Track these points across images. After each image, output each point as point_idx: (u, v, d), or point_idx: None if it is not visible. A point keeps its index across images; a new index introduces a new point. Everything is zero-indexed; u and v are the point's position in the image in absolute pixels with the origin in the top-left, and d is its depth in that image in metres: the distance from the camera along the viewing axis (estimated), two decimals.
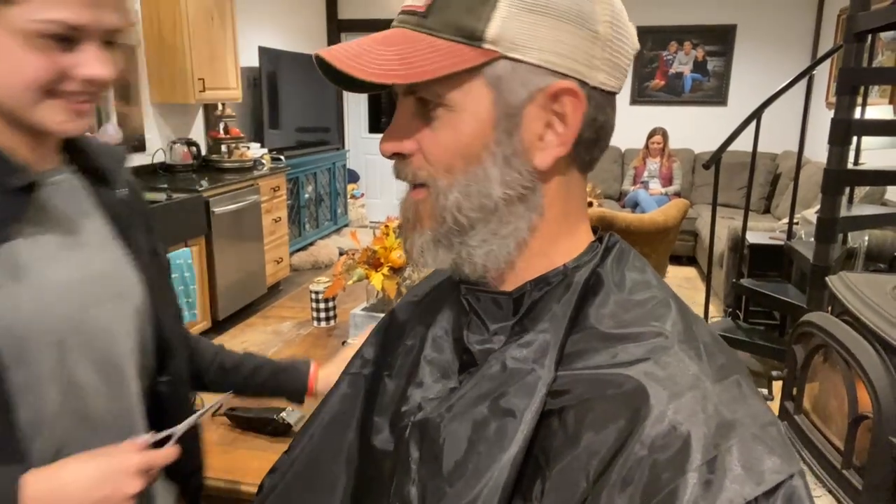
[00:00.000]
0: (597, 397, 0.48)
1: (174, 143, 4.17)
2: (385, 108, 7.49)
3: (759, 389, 2.39)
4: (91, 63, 0.66)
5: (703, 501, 0.41)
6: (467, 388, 0.55)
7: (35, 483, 0.64)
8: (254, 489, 0.73)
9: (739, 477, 0.41)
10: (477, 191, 0.53)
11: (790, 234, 3.26)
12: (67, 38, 0.64)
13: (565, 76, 0.51)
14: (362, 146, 7.07)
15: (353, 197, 6.63)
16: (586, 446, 0.47)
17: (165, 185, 3.61)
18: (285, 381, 0.97)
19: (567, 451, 0.48)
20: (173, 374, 0.86)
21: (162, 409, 0.85)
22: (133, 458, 0.69)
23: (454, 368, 0.59)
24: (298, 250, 5.29)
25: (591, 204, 4.01)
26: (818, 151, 4.63)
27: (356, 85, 0.55)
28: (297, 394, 0.98)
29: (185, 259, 3.36)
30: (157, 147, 4.09)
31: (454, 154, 0.52)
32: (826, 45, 5.22)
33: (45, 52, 0.64)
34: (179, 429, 0.78)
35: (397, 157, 0.55)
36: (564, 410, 0.49)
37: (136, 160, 3.93)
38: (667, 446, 0.43)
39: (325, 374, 0.96)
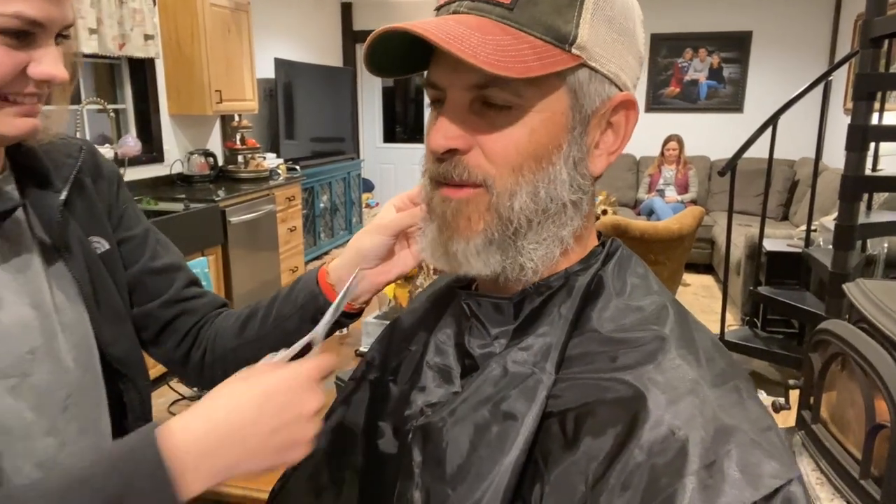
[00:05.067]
0: (596, 402, 0.48)
1: (192, 153, 4.23)
2: (399, 118, 7.54)
3: (777, 398, 2.35)
4: (48, 62, 0.60)
5: None
6: (469, 392, 0.55)
7: (181, 434, 0.51)
8: (264, 496, 0.74)
9: (738, 481, 0.41)
10: (545, 193, 0.52)
11: (808, 241, 3.22)
12: (23, 34, 0.58)
13: (620, 89, 0.53)
14: (377, 155, 7.11)
15: (367, 206, 6.67)
16: (585, 451, 0.47)
17: (183, 196, 3.65)
18: (298, 292, 0.77)
19: (566, 455, 0.48)
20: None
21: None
22: (301, 369, 0.55)
23: (456, 373, 0.59)
24: (313, 259, 5.33)
25: (605, 212, 3.99)
26: (836, 158, 4.57)
27: (382, 70, 0.55)
28: (312, 297, 0.75)
29: (201, 268, 3.38)
30: (174, 158, 4.15)
31: (526, 154, 0.51)
32: (843, 50, 5.17)
33: (3, 47, 0.57)
34: (320, 330, 0.61)
35: (448, 153, 0.53)
36: (564, 414, 0.49)
37: (155, 171, 3.99)
38: (665, 451, 0.43)
39: (335, 267, 0.75)
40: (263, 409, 0.52)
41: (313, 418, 0.54)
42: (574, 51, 0.50)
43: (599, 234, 0.61)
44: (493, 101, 0.51)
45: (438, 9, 0.54)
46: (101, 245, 0.77)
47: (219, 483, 0.52)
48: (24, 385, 0.64)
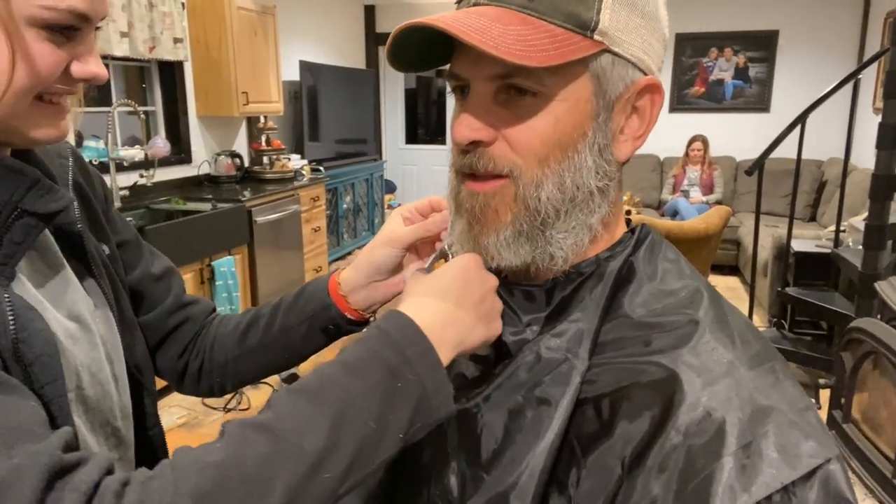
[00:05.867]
0: (631, 385, 0.49)
1: (219, 155, 4.29)
2: (422, 118, 7.56)
3: None
4: (93, 61, 0.57)
5: (738, 486, 0.41)
6: (503, 379, 0.56)
7: (418, 312, 0.53)
8: None
9: (775, 461, 0.41)
10: (572, 181, 0.52)
11: (837, 241, 3.18)
12: (69, 30, 0.54)
13: (644, 73, 0.53)
14: (399, 157, 7.14)
15: (390, 207, 6.69)
16: (621, 434, 0.47)
17: (210, 196, 3.71)
18: (306, 301, 0.76)
19: (602, 439, 0.48)
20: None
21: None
22: (469, 256, 0.58)
23: (490, 360, 0.60)
24: (337, 259, 5.37)
25: (629, 213, 3.96)
26: (865, 158, 4.49)
27: (406, 65, 0.55)
28: (324, 308, 0.75)
29: (228, 267, 3.44)
30: (202, 159, 4.21)
31: (551, 143, 0.51)
32: (872, 48, 5.08)
33: (51, 45, 0.54)
34: (446, 247, 0.65)
35: (472, 145, 0.53)
36: (599, 399, 0.50)
37: (183, 172, 4.05)
38: (702, 432, 0.44)
39: (346, 278, 0.75)
40: (466, 285, 0.56)
41: (496, 293, 0.58)
42: (596, 37, 0.49)
43: (628, 222, 0.61)
44: (519, 87, 0.50)
45: (459, 1, 0.54)
46: (105, 250, 0.74)
47: (455, 356, 0.54)
48: (77, 399, 0.62)
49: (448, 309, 0.54)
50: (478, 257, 0.57)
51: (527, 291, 0.58)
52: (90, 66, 0.57)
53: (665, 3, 0.55)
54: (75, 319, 0.64)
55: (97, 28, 0.59)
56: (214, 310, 0.86)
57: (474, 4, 0.52)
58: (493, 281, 0.57)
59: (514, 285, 0.59)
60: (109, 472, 0.45)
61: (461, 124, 0.53)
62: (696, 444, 0.43)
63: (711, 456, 0.43)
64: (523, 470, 0.50)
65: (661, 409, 0.46)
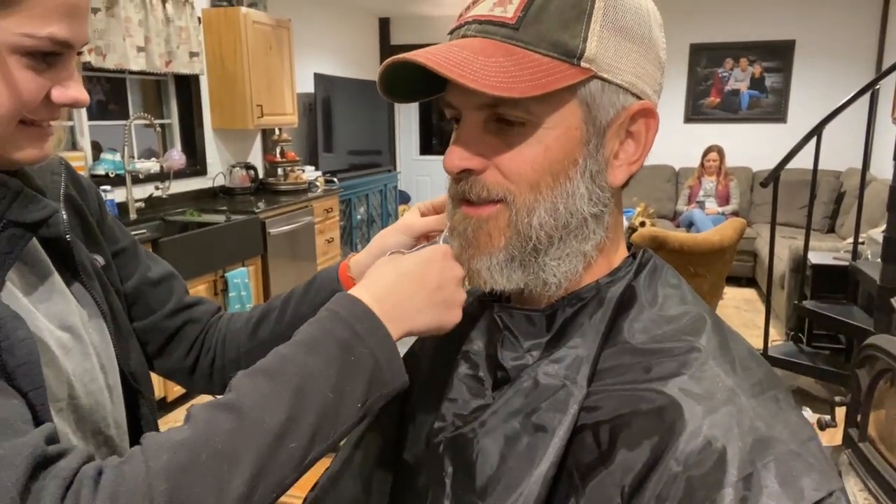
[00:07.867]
0: (630, 413, 0.48)
1: (233, 166, 4.33)
2: (436, 130, 7.59)
3: (822, 416, 2.28)
4: (74, 86, 0.58)
5: None
6: (500, 404, 0.55)
7: (367, 292, 0.56)
8: (297, 502, 0.74)
9: (776, 494, 0.41)
10: (564, 208, 0.52)
11: (855, 254, 3.13)
12: (50, 56, 0.55)
13: (638, 98, 0.53)
14: (413, 168, 7.17)
15: None
16: (620, 462, 0.46)
17: (225, 208, 3.74)
18: (317, 291, 0.78)
19: (601, 467, 0.48)
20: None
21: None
22: (438, 246, 0.60)
23: (488, 385, 0.59)
24: None
25: (643, 224, 3.94)
26: (884, 168, 4.43)
27: (400, 95, 0.57)
28: (333, 294, 0.70)
29: (242, 278, 3.46)
30: (217, 171, 4.25)
31: (542, 171, 0.51)
32: (891, 58, 5.02)
33: (32, 71, 0.55)
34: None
35: (465, 173, 0.54)
36: (598, 426, 0.49)
37: (198, 184, 4.09)
38: (702, 462, 0.43)
39: (357, 261, 0.78)
40: (425, 271, 0.58)
41: (461, 284, 0.59)
42: (583, 64, 0.49)
43: (630, 246, 0.61)
44: (507, 118, 0.51)
45: (451, 32, 0.55)
46: (99, 260, 0.75)
47: (405, 335, 0.57)
48: (69, 408, 0.63)
49: (397, 288, 0.56)
50: (448, 249, 0.58)
51: (528, 316, 0.57)
52: (71, 91, 0.58)
53: (660, 26, 0.55)
54: (67, 330, 0.65)
55: (79, 54, 0.60)
56: (220, 309, 0.87)
57: (463, 36, 0.53)
58: (458, 271, 0.58)
59: (515, 309, 0.59)
60: (89, 461, 0.48)
61: (451, 154, 0.54)
62: (696, 475, 0.43)
63: (712, 487, 0.42)
64: (517, 497, 0.50)
65: (660, 438, 0.45)
